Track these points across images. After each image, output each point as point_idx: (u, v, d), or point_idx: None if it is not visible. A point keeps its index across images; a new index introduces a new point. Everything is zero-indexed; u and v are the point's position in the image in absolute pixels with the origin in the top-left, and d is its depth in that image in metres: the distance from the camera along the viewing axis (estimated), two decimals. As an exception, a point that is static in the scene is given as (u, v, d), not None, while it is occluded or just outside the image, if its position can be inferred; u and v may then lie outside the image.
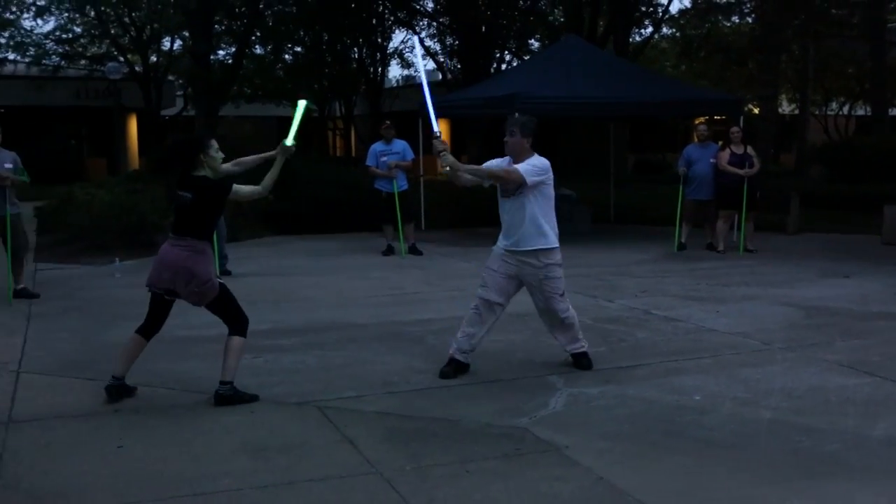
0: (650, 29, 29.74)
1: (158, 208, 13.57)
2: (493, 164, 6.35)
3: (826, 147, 25.67)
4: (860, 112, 34.87)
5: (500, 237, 6.35)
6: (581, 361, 6.50)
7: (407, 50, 34.04)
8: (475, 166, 6.22)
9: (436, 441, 4.99)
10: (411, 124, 16.37)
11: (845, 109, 35.47)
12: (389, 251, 12.71)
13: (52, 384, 6.16)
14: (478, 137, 27.81)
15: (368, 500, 4.22)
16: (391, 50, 33.53)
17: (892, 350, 6.96)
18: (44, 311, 8.69)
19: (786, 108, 34.55)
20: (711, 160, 12.83)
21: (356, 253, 13.01)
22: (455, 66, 30.18)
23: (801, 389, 5.91)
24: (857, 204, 17.63)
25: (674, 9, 47.71)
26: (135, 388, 5.79)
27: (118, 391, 5.67)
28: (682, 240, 13.05)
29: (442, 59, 30.62)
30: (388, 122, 13.20)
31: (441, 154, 6.08)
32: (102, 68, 28.15)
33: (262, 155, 6.16)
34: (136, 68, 29.72)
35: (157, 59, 29.85)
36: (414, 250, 12.73)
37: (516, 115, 6.30)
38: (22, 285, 9.48)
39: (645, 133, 33.46)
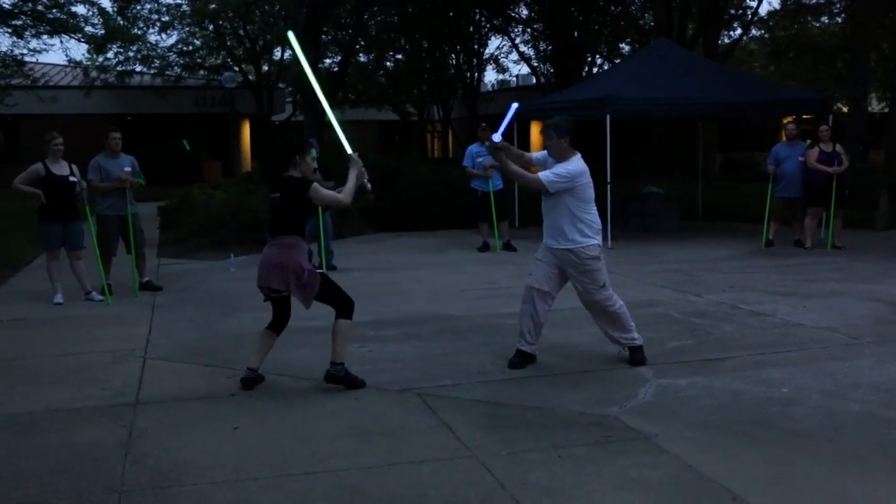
0: (739, 31, 29.06)
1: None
2: (536, 156, 6.36)
3: (916, 144, 24.64)
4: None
5: (544, 232, 6.28)
6: (634, 356, 6.30)
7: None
8: (507, 162, 6.16)
9: (529, 428, 5.00)
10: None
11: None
12: (485, 247, 12.74)
13: (175, 369, 6.38)
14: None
15: (465, 482, 4.26)
16: (487, 56, 33.57)
17: (984, 345, 6.68)
18: (166, 303, 8.99)
19: (875, 106, 33.31)
20: (800, 158, 12.51)
21: (453, 249, 13.08)
22: (548, 70, 30.02)
23: (889, 383, 5.72)
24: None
25: (762, 10, 46.48)
26: (263, 377, 5.89)
27: (253, 381, 5.81)
28: (770, 236, 12.74)
29: (536, 64, 30.51)
30: (483, 124, 13.22)
31: (496, 149, 6.16)
32: (219, 78, 28.92)
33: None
34: (250, 77, 30.44)
35: (269, 68, 30.52)
36: (508, 246, 12.73)
37: (555, 118, 6.20)
38: (147, 278, 9.83)
39: (733, 132, 32.65)
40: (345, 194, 5.72)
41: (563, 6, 25.51)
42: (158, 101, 29.74)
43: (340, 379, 5.71)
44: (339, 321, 5.72)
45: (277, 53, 30.08)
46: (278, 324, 5.88)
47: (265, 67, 30.38)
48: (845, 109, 28.00)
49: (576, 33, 27.13)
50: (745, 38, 29.77)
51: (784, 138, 13.28)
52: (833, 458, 4.49)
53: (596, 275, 6.14)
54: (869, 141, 28.65)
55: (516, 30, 30.54)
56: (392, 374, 6.12)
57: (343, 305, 5.75)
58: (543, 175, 6.03)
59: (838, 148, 12.49)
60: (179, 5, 27.40)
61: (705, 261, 11.46)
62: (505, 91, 36.85)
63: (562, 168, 6.02)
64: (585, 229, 6.08)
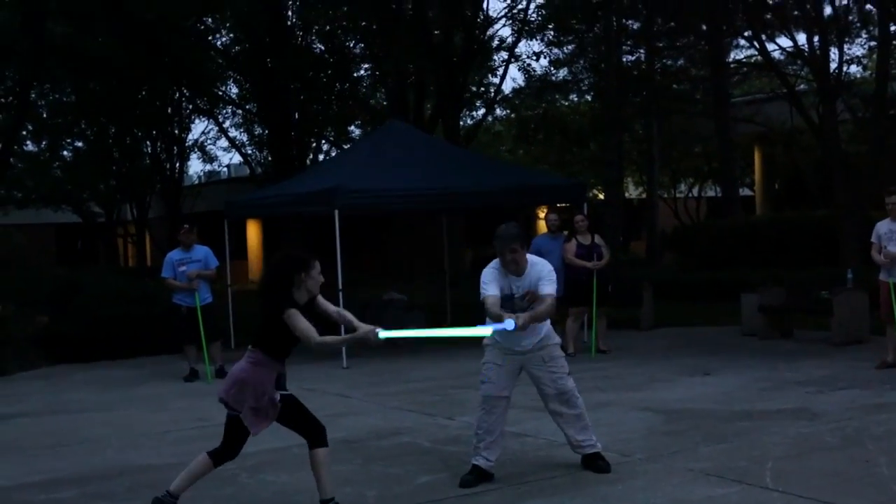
0: (482, 111, 30.72)
1: None
2: (494, 291, 6.81)
3: (678, 232, 26.92)
4: (710, 193, 36.85)
5: (501, 337, 6.75)
6: (597, 464, 6.88)
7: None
8: (533, 315, 6.62)
9: None
10: (215, 227, 16.18)
11: (694, 191, 37.42)
12: (193, 376, 12.37)
13: None
14: (294, 238, 27.73)
15: None
16: (191, 142, 33.30)
17: (759, 453, 7.22)
18: None
19: (632, 191, 36.14)
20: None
21: (153, 380, 12.61)
22: (265, 159, 30.22)
23: (664, 504, 6.03)
24: (714, 292, 18.47)
25: (507, 88, 49.58)
26: None
27: None
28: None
29: (249, 151, 30.63)
30: (186, 225, 13.00)
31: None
32: None
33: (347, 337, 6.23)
34: None
35: None
36: (222, 373, 12.40)
37: (510, 229, 6.86)
38: None
39: (482, 226, 34.15)
40: (316, 342, 5.92)
41: (279, 83, 25.90)
42: None
43: None
44: (318, 451, 5.94)
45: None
46: (224, 453, 6.06)
47: None
48: (601, 196, 30.21)
49: (296, 115, 27.55)
50: (489, 118, 31.51)
51: (546, 230, 14.03)
52: None
53: (561, 361, 6.95)
54: (629, 230, 30.98)
55: (225, 111, 30.60)
56: (70, 549, 5.70)
57: (315, 432, 5.99)
58: (550, 292, 6.73)
59: (597, 239, 13.30)
60: None
61: (457, 376, 11.70)
62: (214, 184, 36.65)
63: (546, 272, 6.81)
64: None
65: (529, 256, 6.90)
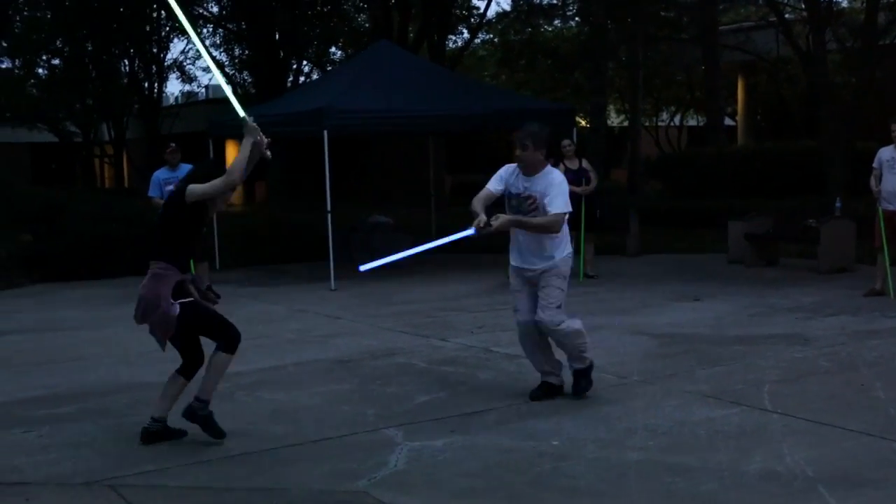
0: (466, 34, 30.44)
1: None
2: (491, 183, 6.61)
3: (661, 160, 26.89)
4: (691, 122, 36.80)
5: (513, 256, 6.77)
6: (581, 383, 6.95)
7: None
8: (520, 219, 6.49)
9: (260, 515, 4.83)
10: (198, 147, 16.04)
11: (676, 120, 37.33)
12: (182, 295, 12.33)
13: None
14: (277, 160, 27.59)
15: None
16: (170, 62, 32.87)
17: (755, 376, 7.30)
18: None
19: (614, 119, 36.01)
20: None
21: (141, 300, 12.54)
22: (245, 80, 29.90)
23: (667, 425, 6.08)
24: (697, 220, 18.54)
25: (492, 12, 49.12)
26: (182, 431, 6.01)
27: (155, 435, 5.95)
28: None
29: (230, 72, 30.28)
30: (173, 144, 12.88)
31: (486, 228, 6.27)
32: None
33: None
34: None
35: None
36: (209, 293, 12.40)
37: (533, 125, 6.61)
38: None
39: (463, 151, 34.09)
40: (232, 168, 5.73)
41: (261, 2, 25.51)
42: None
43: (199, 419, 5.89)
44: (219, 353, 5.89)
45: None
46: (188, 366, 6.04)
47: None
48: (584, 123, 30.07)
49: (277, 35, 27.21)
50: (474, 42, 31.25)
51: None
52: (618, 516, 4.68)
53: (553, 291, 6.63)
54: (610, 158, 30.87)
55: (205, 30, 30.18)
56: (75, 462, 5.70)
57: (226, 337, 5.90)
58: (555, 207, 6.43)
59: (585, 164, 13.28)
60: None
61: (447, 299, 11.75)
62: (193, 104, 36.24)
63: (556, 187, 6.46)
64: (565, 239, 6.66)
65: (554, 173, 6.56)
